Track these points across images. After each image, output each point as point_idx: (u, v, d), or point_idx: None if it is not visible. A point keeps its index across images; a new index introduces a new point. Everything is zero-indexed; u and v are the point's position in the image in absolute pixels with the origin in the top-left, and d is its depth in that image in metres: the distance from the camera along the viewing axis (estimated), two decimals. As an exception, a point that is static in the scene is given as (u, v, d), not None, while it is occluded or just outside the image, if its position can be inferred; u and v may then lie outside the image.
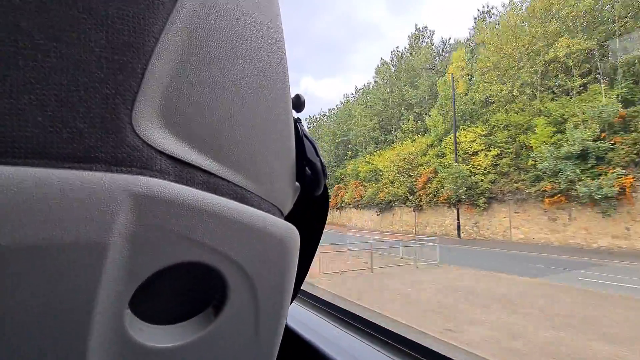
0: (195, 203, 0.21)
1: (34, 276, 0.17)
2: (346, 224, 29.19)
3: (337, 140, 37.94)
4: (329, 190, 0.43)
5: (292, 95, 0.34)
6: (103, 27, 0.18)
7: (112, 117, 0.18)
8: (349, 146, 36.22)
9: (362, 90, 39.01)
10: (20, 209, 0.16)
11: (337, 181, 33.18)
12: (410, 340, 0.80)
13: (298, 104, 0.38)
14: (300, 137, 0.36)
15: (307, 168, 0.36)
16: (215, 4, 0.22)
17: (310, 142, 0.37)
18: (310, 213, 0.42)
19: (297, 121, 0.37)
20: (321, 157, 0.37)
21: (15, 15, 0.16)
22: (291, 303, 0.31)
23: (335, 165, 36.80)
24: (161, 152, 0.20)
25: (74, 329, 0.18)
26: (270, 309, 0.27)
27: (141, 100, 0.19)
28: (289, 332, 0.73)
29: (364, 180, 28.60)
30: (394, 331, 0.82)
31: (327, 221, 0.46)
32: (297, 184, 0.35)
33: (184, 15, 0.20)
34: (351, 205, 29.23)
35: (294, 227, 0.29)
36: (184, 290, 0.24)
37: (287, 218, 0.31)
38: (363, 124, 32.76)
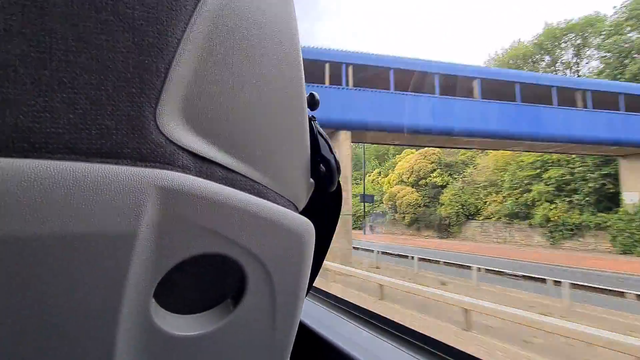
0: (216, 196, 0.21)
1: (69, 265, 0.18)
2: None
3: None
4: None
5: (307, 94, 0.34)
6: (130, 30, 0.19)
7: (137, 114, 0.19)
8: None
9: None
10: (54, 200, 0.17)
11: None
12: (430, 337, 0.77)
13: (313, 102, 0.39)
14: (314, 135, 0.37)
15: (321, 165, 0.37)
16: (234, 6, 0.23)
17: (325, 139, 0.38)
18: (324, 209, 0.42)
19: (311, 119, 0.37)
20: (335, 154, 0.37)
21: (51, 20, 0.17)
22: (305, 296, 0.32)
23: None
24: (183, 148, 0.21)
25: (104, 316, 0.19)
26: (287, 301, 0.27)
27: (164, 99, 0.20)
28: (303, 327, 0.73)
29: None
30: (412, 328, 0.79)
31: None
32: (311, 180, 0.35)
33: (205, 17, 0.21)
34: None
35: (309, 222, 0.29)
36: (204, 281, 0.25)
37: (302, 213, 0.31)
38: None
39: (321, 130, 0.38)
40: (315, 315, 0.79)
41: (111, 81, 0.19)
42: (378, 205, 29.98)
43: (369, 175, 34.22)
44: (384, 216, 29.11)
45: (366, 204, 27.43)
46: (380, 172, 34.01)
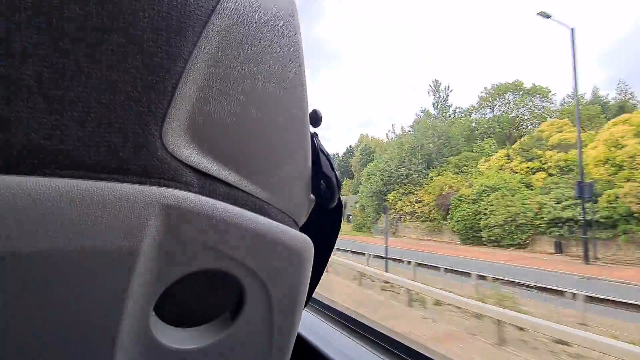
0: (217, 214, 0.22)
1: (72, 280, 0.18)
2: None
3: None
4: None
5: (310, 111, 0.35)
6: (139, 51, 0.19)
7: (144, 132, 0.20)
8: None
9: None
10: (61, 217, 0.17)
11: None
12: (425, 356, 0.75)
13: (315, 119, 0.38)
14: (316, 152, 0.37)
15: (322, 181, 0.37)
16: (238, 30, 0.24)
17: (326, 156, 0.38)
18: (324, 224, 0.43)
19: (314, 136, 0.38)
20: (336, 172, 0.39)
21: (65, 43, 0.18)
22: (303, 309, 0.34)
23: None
24: (187, 165, 0.22)
25: (104, 329, 0.20)
26: (284, 316, 0.28)
27: (170, 117, 0.21)
28: (301, 340, 0.77)
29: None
30: (408, 345, 0.78)
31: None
32: (312, 196, 0.36)
33: (211, 40, 0.22)
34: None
35: (308, 239, 0.30)
36: (203, 295, 0.26)
37: (302, 228, 0.33)
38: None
39: (323, 147, 0.40)
40: (313, 328, 0.85)
41: (120, 100, 0.19)
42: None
43: (487, 161, 22.15)
44: (610, 226, 13.04)
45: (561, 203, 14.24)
46: (509, 156, 21.06)
